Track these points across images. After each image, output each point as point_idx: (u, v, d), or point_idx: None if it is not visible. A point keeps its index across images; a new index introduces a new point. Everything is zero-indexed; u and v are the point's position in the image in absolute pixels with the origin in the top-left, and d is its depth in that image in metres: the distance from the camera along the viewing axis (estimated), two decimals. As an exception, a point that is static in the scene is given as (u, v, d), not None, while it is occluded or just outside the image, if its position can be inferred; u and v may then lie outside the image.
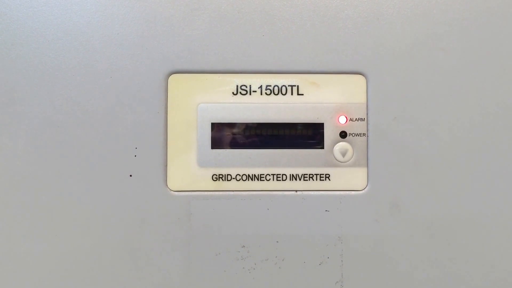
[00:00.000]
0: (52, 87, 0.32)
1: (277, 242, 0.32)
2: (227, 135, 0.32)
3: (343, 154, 0.32)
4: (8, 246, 0.31)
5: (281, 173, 0.32)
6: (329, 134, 0.33)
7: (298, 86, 0.33)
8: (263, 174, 0.32)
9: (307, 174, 0.32)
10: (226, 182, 0.32)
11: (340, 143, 0.33)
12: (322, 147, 0.33)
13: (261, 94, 0.33)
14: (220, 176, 0.32)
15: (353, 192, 0.32)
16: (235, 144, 0.32)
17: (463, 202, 0.32)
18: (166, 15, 0.32)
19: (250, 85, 0.33)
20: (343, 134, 0.33)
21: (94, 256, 0.32)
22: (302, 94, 0.33)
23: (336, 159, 0.33)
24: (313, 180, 0.32)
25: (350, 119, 0.33)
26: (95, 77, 0.32)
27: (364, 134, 0.33)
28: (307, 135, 0.33)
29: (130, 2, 0.32)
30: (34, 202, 0.31)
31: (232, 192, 0.32)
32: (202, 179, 0.32)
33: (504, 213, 0.32)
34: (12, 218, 0.31)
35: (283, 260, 0.32)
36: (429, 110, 0.32)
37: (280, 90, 0.33)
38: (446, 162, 0.32)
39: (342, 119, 0.33)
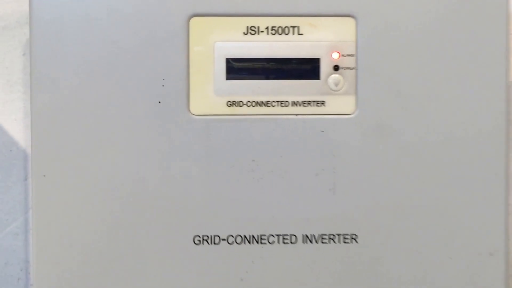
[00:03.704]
0: (90, 30, 0.36)
1: (281, 157, 0.37)
2: (240, 68, 0.38)
3: (336, 84, 0.38)
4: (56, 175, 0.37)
5: (284, 100, 0.38)
6: (324, 68, 0.38)
7: (298, 27, 0.38)
8: (270, 101, 0.38)
9: (306, 101, 0.38)
10: (238, 107, 0.38)
11: (333, 75, 0.38)
12: (319, 78, 0.38)
13: (268, 34, 0.38)
14: (234, 102, 0.38)
15: (344, 116, 0.38)
16: (246, 75, 0.38)
17: (443, 125, 0.37)
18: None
19: (258, 26, 0.38)
20: (336, 68, 0.38)
21: (127, 169, 0.37)
22: (302, 34, 0.38)
23: (330, 89, 0.38)
24: (310, 106, 0.38)
25: (342, 55, 0.38)
26: (126, 19, 0.36)
27: (353, 68, 0.38)
28: (306, 69, 0.38)
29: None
30: (75, 132, 0.36)
31: (243, 116, 0.37)
32: (218, 105, 0.38)
33: (484, 132, 0.37)
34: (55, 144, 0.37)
35: (286, 172, 0.38)
36: (412, 44, 0.37)
37: (283, 31, 0.38)
38: (427, 88, 0.37)
39: (335, 55, 0.38)
